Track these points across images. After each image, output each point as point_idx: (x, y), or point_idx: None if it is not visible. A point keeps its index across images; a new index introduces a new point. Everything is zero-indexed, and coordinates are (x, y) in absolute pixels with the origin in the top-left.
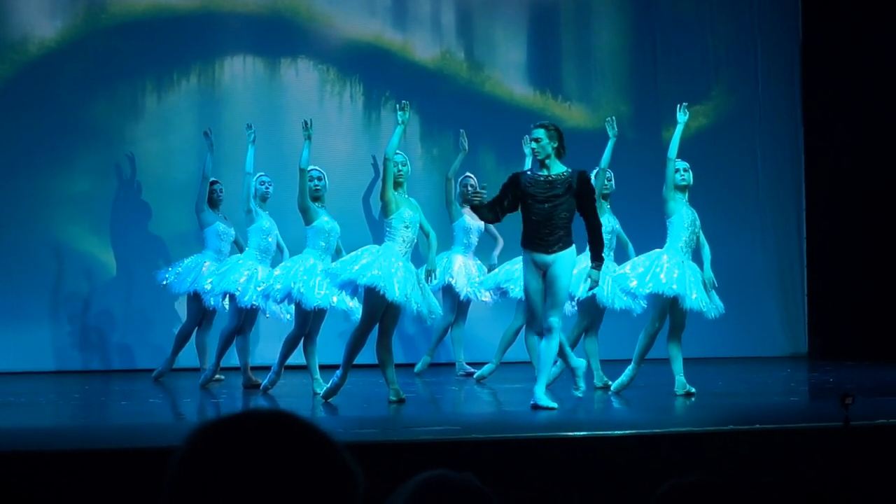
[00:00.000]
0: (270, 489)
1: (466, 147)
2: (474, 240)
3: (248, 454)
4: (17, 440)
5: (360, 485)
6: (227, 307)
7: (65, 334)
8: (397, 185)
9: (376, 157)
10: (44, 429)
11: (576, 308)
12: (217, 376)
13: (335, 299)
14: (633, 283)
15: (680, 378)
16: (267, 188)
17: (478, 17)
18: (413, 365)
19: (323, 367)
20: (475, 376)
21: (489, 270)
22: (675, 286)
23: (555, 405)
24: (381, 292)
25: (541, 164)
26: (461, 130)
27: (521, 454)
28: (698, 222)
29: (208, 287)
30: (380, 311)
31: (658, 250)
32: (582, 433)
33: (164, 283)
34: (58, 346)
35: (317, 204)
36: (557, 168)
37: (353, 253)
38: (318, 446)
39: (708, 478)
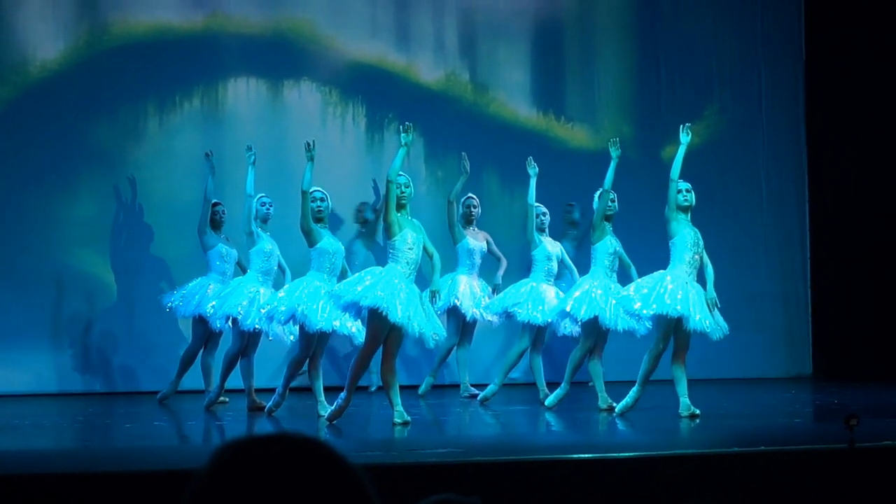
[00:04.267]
0: None
1: (468, 169)
2: (478, 261)
3: (272, 476)
4: (21, 463)
5: None
6: (230, 329)
7: (67, 357)
8: (400, 206)
9: (377, 179)
10: (48, 452)
11: (580, 330)
12: (221, 398)
13: (337, 322)
14: (637, 305)
15: (684, 399)
16: (268, 210)
17: (482, 39)
18: (417, 387)
19: (328, 389)
20: (479, 398)
21: (494, 291)
22: (679, 307)
23: None
24: (384, 314)
25: None
26: (462, 153)
27: (526, 476)
28: (701, 242)
29: (211, 310)
30: (383, 333)
31: (661, 271)
32: (586, 455)
33: (170, 306)
34: (60, 368)
35: (319, 225)
36: None
37: (356, 274)
38: (341, 472)
39: (714, 501)
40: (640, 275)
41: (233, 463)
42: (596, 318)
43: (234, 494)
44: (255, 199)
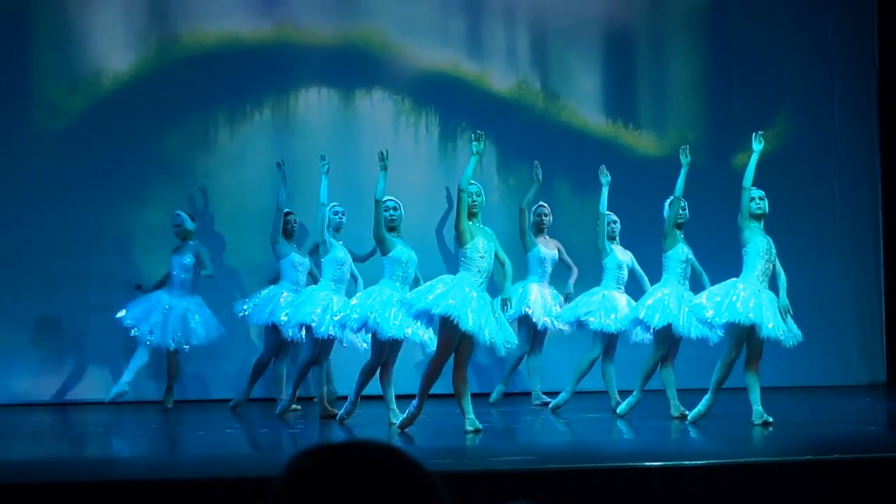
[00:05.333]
0: None
1: (540, 178)
2: (549, 269)
3: (349, 483)
4: (96, 470)
5: None
6: (303, 337)
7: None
8: (472, 215)
9: (450, 188)
10: (122, 459)
11: (652, 338)
12: (294, 406)
13: (409, 330)
14: (710, 313)
15: (757, 407)
16: (340, 218)
17: (553, 47)
18: (488, 395)
19: (399, 397)
20: (550, 406)
21: (565, 300)
22: (751, 315)
23: None
24: (456, 322)
25: None
26: (535, 161)
27: (598, 484)
28: (774, 250)
29: (284, 318)
30: (455, 341)
31: (734, 279)
32: (658, 463)
33: (242, 314)
34: (135, 376)
35: (392, 234)
36: None
37: (428, 283)
38: (418, 479)
39: None
40: (712, 283)
41: (310, 470)
42: (669, 325)
43: (312, 502)
44: (328, 208)
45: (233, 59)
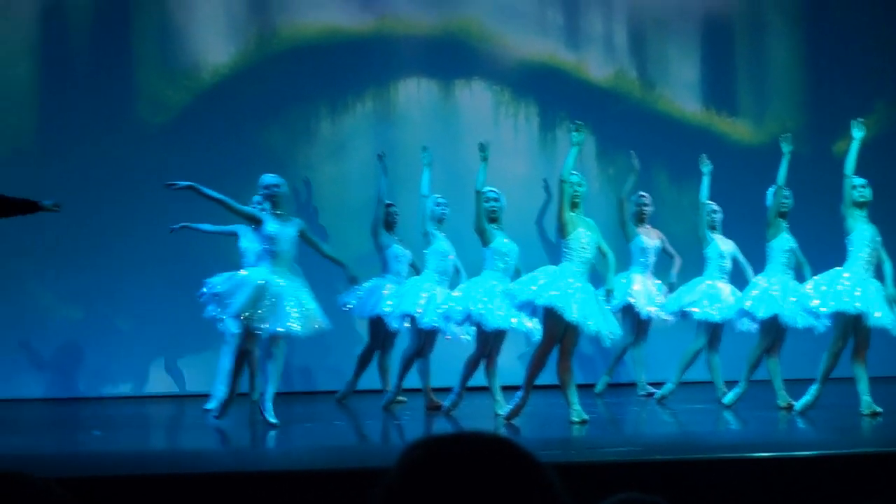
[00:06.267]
0: None
1: (638, 167)
2: (652, 259)
3: (464, 474)
4: (196, 463)
5: None
6: (408, 329)
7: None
8: (574, 205)
9: (548, 179)
10: (226, 451)
11: (757, 327)
12: (399, 398)
13: (514, 320)
14: (815, 302)
15: (865, 397)
16: (443, 210)
17: (651, 35)
18: (593, 385)
19: (504, 388)
20: (656, 396)
21: (669, 289)
22: (858, 304)
23: None
24: (560, 312)
25: None
26: (631, 151)
27: (705, 475)
28: (879, 238)
29: (388, 309)
30: (559, 332)
31: (839, 268)
32: (766, 454)
33: (348, 307)
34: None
35: (493, 225)
36: None
37: (531, 273)
38: (530, 470)
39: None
40: (816, 272)
41: (424, 462)
42: (775, 316)
43: (428, 493)
44: (431, 200)
45: (333, 50)
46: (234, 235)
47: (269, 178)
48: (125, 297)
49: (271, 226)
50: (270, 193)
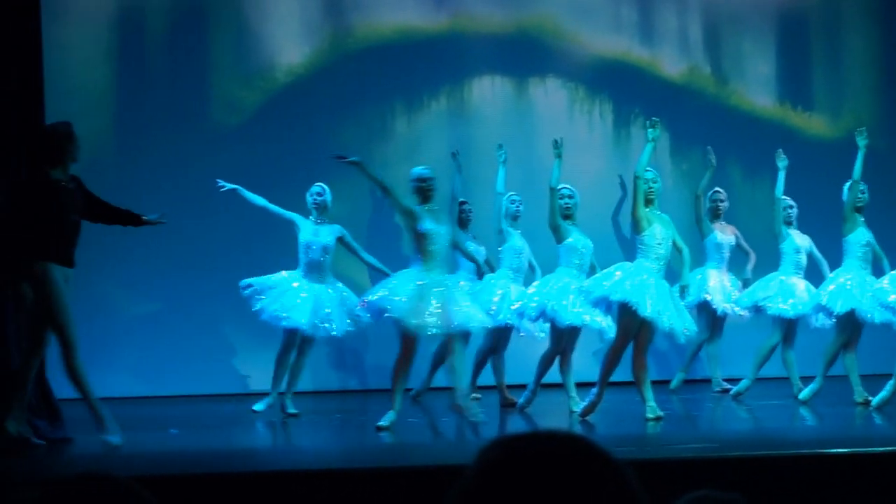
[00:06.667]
0: None
1: (714, 162)
2: (727, 255)
3: (542, 473)
4: (276, 460)
5: None
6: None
7: (322, 355)
8: (649, 202)
9: (623, 175)
10: (306, 448)
11: (833, 323)
12: (473, 395)
13: (588, 317)
14: (893, 297)
15: None
16: (517, 207)
17: (725, 31)
18: (668, 382)
19: (579, 385)
20: (731, 392)
21: (744, 285)
22: None
23: None
24: (634, 308)
25: None
26: (707, 147)
27: (782, 472)
28: None
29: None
30: (634, 328)
31: None
32: (843, 450)
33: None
34: (315, 366)
35: (568, 222)
36: None
37: (605, 270)
38: (608, 469)
39: None
40: (894, 266)
41: (502, 461)
42: (852, 311)
43: (504, 493)
44: (506, 197)
45: (407, 49)
46: (293, 223)
47: (419, 171)
48: (198, 298)
49: (428, 223)
50: (424, 187)
